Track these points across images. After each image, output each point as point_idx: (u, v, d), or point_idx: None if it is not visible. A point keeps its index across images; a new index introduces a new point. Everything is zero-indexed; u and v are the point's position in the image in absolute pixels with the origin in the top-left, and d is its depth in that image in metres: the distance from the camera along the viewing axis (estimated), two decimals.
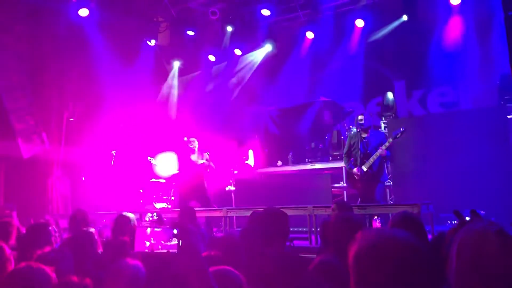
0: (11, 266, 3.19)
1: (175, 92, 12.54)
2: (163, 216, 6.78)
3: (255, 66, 12.02)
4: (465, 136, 8.04)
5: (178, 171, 9.15)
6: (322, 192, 8.76)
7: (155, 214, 6.96)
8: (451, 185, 7.91)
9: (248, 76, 12.13)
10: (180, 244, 1.57)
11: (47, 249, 3.49)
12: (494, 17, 9.04)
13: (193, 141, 8.74)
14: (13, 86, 9.49)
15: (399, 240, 1.38)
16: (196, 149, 8.69)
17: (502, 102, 8.27)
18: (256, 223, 3.15)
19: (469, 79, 9.74)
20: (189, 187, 8.64)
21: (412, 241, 1.38)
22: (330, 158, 9.77)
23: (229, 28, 11.19)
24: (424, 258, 1.37)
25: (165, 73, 12.49)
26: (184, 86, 12.73)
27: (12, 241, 4.32)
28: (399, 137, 7.06)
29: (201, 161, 8.71)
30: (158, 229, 2.06)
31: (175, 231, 1.57)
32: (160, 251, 1.89)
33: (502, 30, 7.44)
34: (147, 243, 2.43)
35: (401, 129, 7.05)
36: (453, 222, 6.59)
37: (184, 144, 8.79)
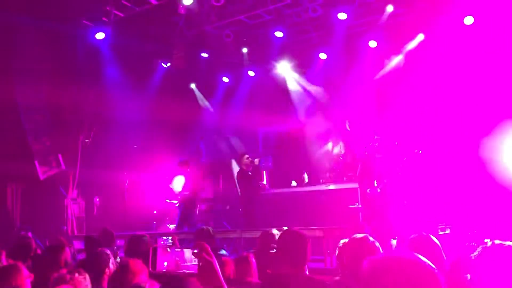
0: None
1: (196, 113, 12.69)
2: (176, 239, 6.75)
3: None
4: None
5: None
6: (337, 213, 8.68)
7: (170, 238, 6.92)
8: (469, 206, 7.78)
9: None
10: (200, 264, 1.57)
11: (64, 270, 3.51)
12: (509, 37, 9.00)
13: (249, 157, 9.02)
14: (32, 108, 9.67)
15: (406, 261, 1.37)
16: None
17: None
18: (273, 244, 3.13)
19: (478, 102, 9.66)
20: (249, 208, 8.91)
21: (420, 261, 1.37)
22: (344, 178, 9.70)
23: (245, 50, 11.36)
24: (433, 277, 1.36)
25: (181, 95, 12.63)
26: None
27: (29, 262, 4.35)
28: (402, 165, 7.04)
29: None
30: (178, 250, 2.06)
31: (195, 251, 1.57)
32: (179, 271, 1.88)
33: None
34: (165, 263, 2.41)
35: (415, 150, 7.02)
36: (472, 244, 6.47)
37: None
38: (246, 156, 9.03)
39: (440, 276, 1.37)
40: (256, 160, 9.05)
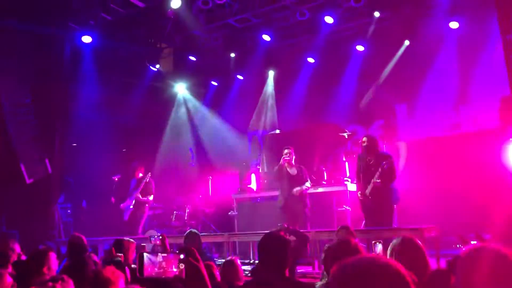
0: None
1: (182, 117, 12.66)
2: (166, 240, 6.70)
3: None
4: (468, 158, 8.02)
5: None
6: (325, 216, 8.69)
7: (161, 236, 6.87)
8: (455, 208, 7.85)
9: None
10: (186, 269, 1.56)
11: (47, 276, 3.46)
12: (494, 40, 9.12)
13: (292, 152, 8.01)
14: (18, 112, 9.56)
15: (378, 266, 1.31)
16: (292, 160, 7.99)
17: (503, 125, 8.28)
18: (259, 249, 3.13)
19: (471, 101, 9.80)
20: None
21: (394, 268, 1.30)
22: (332, 181, 9.72)
23: (232, 55, 11.40)
24: (401, 280, 1.29)
25: (169, 98, 12.62)
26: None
27: (10, 268, 4.28)
28: (386, 167, 6.98)
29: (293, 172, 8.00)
30: (164, 255, 2.02)
31: (181, 256, 1.56)
32: (166, 276, 1.86)
33: (502, 53, 7.52)
34: (152, 268, 2.40)
35: (384, 162, 7.01)
36: (458, 246, 6.52)
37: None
38: (285, 151, 8.05)
39: (412, 285, 1.31)
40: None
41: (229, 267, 4.19)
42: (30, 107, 9.75)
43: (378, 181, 6.96)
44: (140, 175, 9.68)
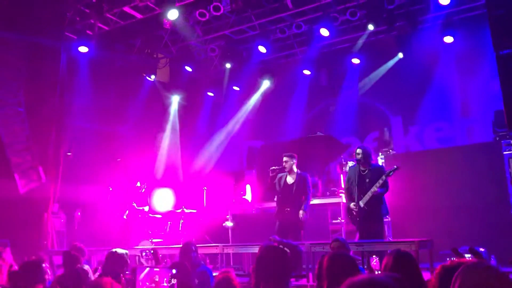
0: None
1: (177, 128, 12.65)
2: (159, 253, 6.66)
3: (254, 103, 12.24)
4: (462, 171, 8.06)
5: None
6: (319, 229, 8.67)
7: (152, 251, 6.83)
8: (449, 222, 7.86)
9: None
10: (178, 284, 1.55)
11: (39, 287, 3.45)
12: (487, 55, 9.22)
13: (289, 160, 7.59)
14: (11, 121, 9.53)
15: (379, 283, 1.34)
16: (291, 167, 7.58)
17: (497, 138, 8.33)
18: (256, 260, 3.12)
19: (465, 115, 9.87)
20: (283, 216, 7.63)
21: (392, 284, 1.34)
22: (327, 193, 9.72)
23: (228, 65, 11.42)
24: None
25: (165, 108, 12.61)
26: (184, 122, 12.87)
27: (4, 279, 4.25)
28: (391, 175, 6.92)
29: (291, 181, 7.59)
30: (157, 269, 2.02)
31: (173, 271, 1.56)
32: None
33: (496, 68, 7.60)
34: (143, 283, 2.39)
35: (395, 166, 6.96)
36: (451, 259, 6.51)
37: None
38: (284, 159, 7.69)
39: None
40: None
41: (224, 279, 4.16)
42: (24, 116, 9.72)
43: (377, 190, 6.90)
44: (138, 184, 9.65)
